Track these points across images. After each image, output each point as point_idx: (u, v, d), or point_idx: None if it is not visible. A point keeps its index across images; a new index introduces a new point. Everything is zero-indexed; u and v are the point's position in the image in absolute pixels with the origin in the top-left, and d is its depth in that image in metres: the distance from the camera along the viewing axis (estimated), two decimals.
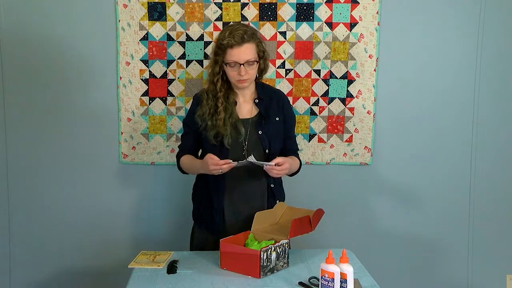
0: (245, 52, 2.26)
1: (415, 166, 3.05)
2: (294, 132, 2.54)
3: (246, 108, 2.41)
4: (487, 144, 3.05)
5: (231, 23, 2.35)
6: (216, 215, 2.38)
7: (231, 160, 2.21)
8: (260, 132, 2.37)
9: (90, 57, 2.91)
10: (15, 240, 3.02)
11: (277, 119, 2.41)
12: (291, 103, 2.57)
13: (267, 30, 2.90)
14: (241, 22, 2.47)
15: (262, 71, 2.41)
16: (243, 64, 2.27)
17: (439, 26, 2.96)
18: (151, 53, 2.91)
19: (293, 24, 2.91)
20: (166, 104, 2.95)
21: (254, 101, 2.41)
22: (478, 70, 2.99)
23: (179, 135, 2.85)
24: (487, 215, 3.09)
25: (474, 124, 3.03)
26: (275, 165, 2.24)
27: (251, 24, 2.87)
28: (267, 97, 2.43)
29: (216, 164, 2.20)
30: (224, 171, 2.22)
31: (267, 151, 2.37)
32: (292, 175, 2.49)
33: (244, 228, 2.30)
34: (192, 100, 2.49)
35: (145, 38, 2.90)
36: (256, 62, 2.31)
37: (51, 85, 2.93)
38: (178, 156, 2.48)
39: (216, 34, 2.86)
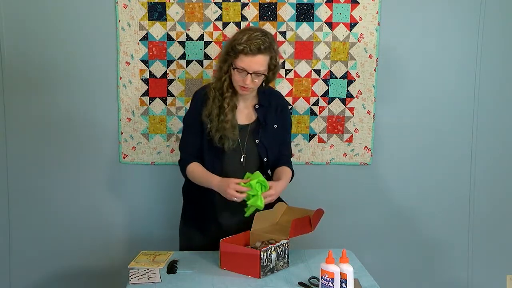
0: (257, 62, 2.17)
1: (415, 166, 3.05)
2: (290, 137, 2.50)
3: (245, 113, 2.36)
4: (487, 144, 3.04)
5: (252, 26, 2.20)
6: (209, 215, 2.34)
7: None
8: (257, 141, 2.33)
9: (90, 57, 2.91)
10: (15, 240, 3.02)
11: (275, 126, 2.37)
12: (289, 104, 2.52)
13: (267, 30, 2.89)
14: (262, 29, 2.30)
15: (268, 81, 2.32)
16: (251, 74, 2.19)
17: (439, 26, 2.96)
18: (151, 53, 2.91)
19: (293, 24, 2.91)
20: (166, 104, 2.95)
21: (254, 107, 2.36)
22: (478, 70, 2.99)
23: (179, 135, 2.85)
24: (487, 215, 3.09)
25: (474, 124, 3.03)
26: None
27: (250, 24, 2.88)
28: (267, 102, 2.37)
29: (234, 191, 2.13)
30: (237, 200, 2.16)
31: (265, 159, 2.35)
32: None
33: (238, 229, 2.24)
34: (193, 97, 2.40)
35: (145, 38, 2.89)
36: (264, 74, 2.23)
37: (51, 84, 2.93)
38: (185, 162, 2.34)
39: (216, 34, 2.87)
